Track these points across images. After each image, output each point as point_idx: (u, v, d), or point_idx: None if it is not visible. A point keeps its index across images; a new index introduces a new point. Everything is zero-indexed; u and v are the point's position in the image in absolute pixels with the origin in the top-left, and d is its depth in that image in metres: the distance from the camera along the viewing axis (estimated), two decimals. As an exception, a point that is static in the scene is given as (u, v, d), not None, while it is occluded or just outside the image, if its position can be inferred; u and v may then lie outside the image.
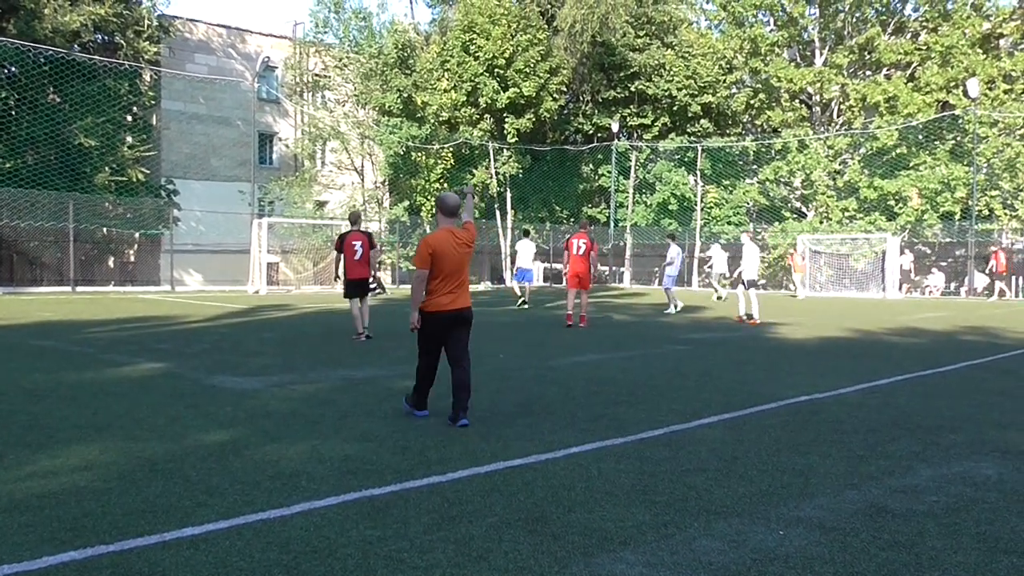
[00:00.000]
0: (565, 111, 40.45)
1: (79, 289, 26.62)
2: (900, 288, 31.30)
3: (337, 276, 13.05)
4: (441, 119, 34.51)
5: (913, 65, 35.11)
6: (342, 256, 12.72)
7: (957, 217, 32.23)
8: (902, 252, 31.97)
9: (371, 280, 13.09)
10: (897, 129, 32.95)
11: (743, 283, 17.16)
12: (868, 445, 5.78)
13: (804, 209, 37.60)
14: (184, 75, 34.40)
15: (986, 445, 5.83)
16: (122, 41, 29.24)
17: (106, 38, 30.02)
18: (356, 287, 12.58)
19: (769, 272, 37.51)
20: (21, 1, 26.46)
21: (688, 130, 39.18)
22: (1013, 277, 30.06)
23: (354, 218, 13.20)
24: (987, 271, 29.72)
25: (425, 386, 6.61)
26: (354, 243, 12.56)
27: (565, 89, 38.11)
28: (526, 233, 23.97)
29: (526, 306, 20.96)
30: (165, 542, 3.68)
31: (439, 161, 34.66)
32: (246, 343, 11.97)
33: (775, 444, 5.77)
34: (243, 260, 30.20)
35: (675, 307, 19.81)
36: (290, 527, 3.91)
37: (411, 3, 66.46)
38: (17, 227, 26.52)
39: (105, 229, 29.68)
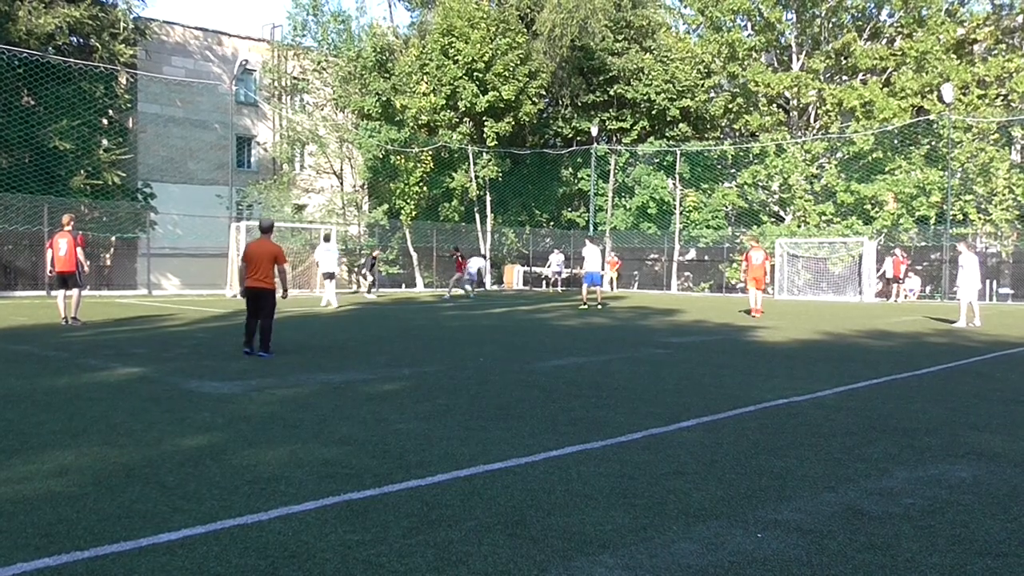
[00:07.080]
0: (544, 115, 40.54)
1: (54, 293, 26.31)
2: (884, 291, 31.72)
3: (50, 271, 15.37)
4: (420, 123, 34.45)
5: (888, 70, 35.49)
6: (51, 253, 15.00)
7: (932, 221, 32.58)
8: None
9: (77, 273, 15.14)
10: (873, 134, 33.29)
11: (326, 276, 21.98)
12: (845, 448, 5.82)
13: (782, 213, 37.88)
14: (161, 78, 34.17)
15: (961, 448, 5.88)
16: (98, 44, 28.93)
17: (81, 40, 29.71)
18: (60, 280, 15.12)
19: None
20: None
21: (667, 134, 39.38)
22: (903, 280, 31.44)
23: (64, 220, 15.41)
24: (881, 275, 31.28)
25: (248, 333, 10.76)
26: (59, 241, 14.92)
27: (544, 93, 38.18)
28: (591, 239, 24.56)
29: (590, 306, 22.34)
30: (141, 548, 3.64)
31: (418, 164, 34.59)
32: (224, 347, 11.87)
33: (753, 447, 5.80)
34: (221, 264, 30.00)
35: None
36: (268, 532, 3.88)
37: (390, 6, 66.36)
38: (-9, 231, 26.20)
39: (81, 233, 29.32)
